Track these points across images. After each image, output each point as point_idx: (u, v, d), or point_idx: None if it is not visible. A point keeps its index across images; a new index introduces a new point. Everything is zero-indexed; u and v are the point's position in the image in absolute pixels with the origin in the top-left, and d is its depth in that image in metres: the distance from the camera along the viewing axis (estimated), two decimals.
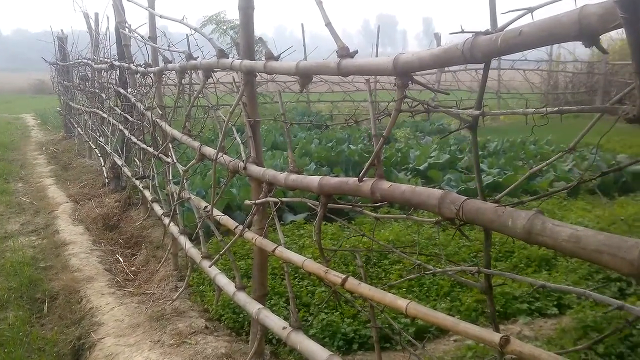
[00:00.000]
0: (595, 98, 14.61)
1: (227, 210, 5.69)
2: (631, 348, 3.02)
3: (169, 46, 3.74)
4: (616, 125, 1.25)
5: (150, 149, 4.62)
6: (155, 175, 4.74)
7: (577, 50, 15.42)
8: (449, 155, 7.39)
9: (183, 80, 3.61)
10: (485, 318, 3.67)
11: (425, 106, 1.52)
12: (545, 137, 9.36)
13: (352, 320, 3.50)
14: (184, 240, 3.77)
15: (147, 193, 5.25)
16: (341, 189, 1.84)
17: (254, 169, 2.57)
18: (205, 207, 3.39)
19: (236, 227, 2.88)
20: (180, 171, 3.54)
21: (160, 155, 4.11)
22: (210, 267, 3.07)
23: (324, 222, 5.50)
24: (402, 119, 12.96)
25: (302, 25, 16.93)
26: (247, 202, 2.65)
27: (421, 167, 7.05)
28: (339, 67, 1.83)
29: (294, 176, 2.17)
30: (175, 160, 3.76)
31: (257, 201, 2.48)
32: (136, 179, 5.34)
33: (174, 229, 4.03)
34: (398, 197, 1.61)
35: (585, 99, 15.38)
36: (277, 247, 2.36)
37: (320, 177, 1.95)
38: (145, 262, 5.13)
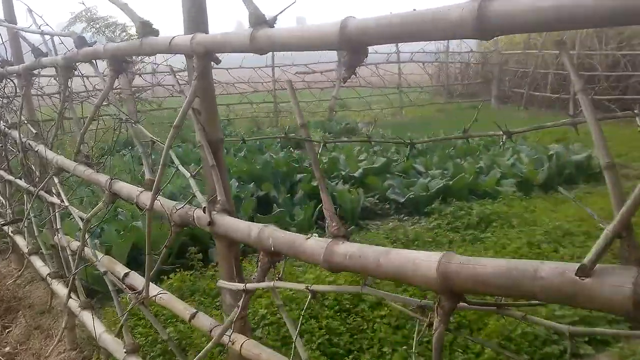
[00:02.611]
0: (492, 87, 14.74)
1: (134, 250, 4.38)
2: None
3: (40, 28, 2.44)
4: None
5: (23, 183, 3.25)
6: (32, 219, 3.35)
7: (470, 41, 15.49)
8: (385, 159, 6.56)
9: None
10: None
11: None
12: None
13: None
14: (91, 320, 2.51)
15: (20, 241, 3.82)
16: (518, 289, 0.82)
17: (232, 223, 1.46)
18: (127, 274, 2.19)
19: (192, 315, 1.73)
20: (79, 221, 2.28)
21: (40, 193, 2.79)
22: None
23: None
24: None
25: None
26: (221, 283, 1.52)
27: (356, 174, 6.15)
28: (482, 19, 0.82)
29: (353, 247, 1.10)
30: (66, 202, 2.48)
31: (250, 286, 1.37)
32: (2, 226, 3.87)
33: (72, 303, 2.73)
34: None
35: (480, 89, 15.52)
36: None
37: (442, 254, 0.92)
38: (25, 338, 3.70)
